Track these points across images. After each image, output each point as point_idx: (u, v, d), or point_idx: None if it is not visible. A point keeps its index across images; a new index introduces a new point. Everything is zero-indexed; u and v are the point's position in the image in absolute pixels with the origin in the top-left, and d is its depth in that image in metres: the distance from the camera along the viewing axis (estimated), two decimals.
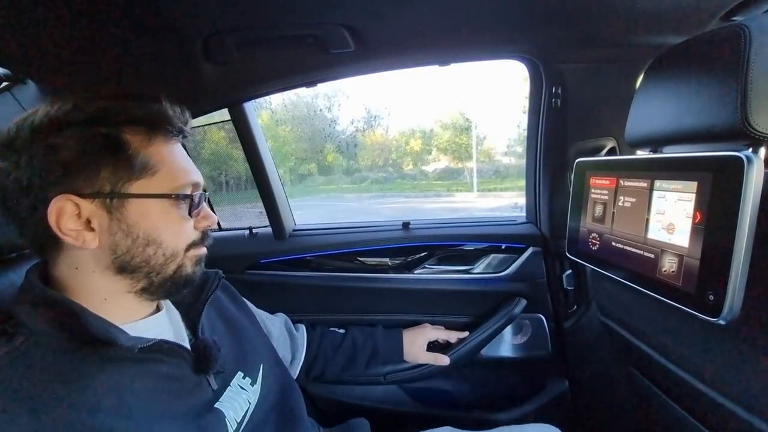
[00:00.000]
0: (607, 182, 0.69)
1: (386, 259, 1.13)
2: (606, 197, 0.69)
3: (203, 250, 0.56)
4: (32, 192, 0.45)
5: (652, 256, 0.58)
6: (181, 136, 0.54)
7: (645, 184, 0.60)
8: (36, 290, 0.47)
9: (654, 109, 0.62)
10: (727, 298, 0.47)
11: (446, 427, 0.84)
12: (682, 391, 0.66)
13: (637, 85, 0.88)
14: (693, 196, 0.51)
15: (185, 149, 0.57)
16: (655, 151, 0.65)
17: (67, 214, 0.45)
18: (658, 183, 0.58)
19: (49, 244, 0.48)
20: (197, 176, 0.54)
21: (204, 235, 0.56)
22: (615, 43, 0.82)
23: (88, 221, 0.46)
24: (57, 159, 0.45)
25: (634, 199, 0.62)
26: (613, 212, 0.67)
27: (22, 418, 0.38)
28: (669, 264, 0.55)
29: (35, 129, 0.45)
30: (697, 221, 0.51)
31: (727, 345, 0.54)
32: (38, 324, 0.45)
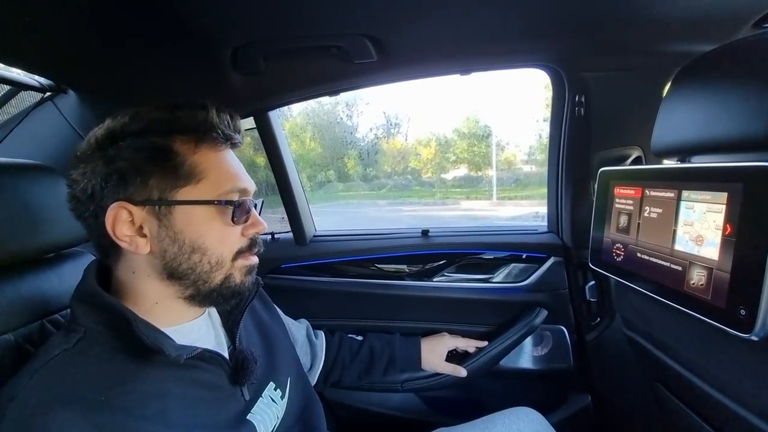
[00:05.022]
0: (632, 192, 0.67)
1: (405, 267, 1.13)
2: (631, 207, 0.68)
3: (253, 260, 0.55)
4: (95, 200, 0.48)
5: (680, 268, 0.56)
6: (229, 143, 0.54)
7: (672, 195, 0.58)
8: (93, 292, 0.49)
9: (682, 117, 0.60)
10: (760, 313, 0.45)
11: (440, 428, 0.83)
12: (711, 409, 0.63)
13: (664, 93, 0.86)
14: (723, 207, 0.50)
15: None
16: (682, 161, 0.64)
17: (121, 220, 0.48)
18: (685, 193, 0.56)
19: (110, 249, 0.51)
20: (245, 183, 0.54)
21: (253, 242, 0.55)
22: (641, 51, 0.81)
23: (141, 227, 0.49)
24: (114, 169, 0.47)
25: (660, 210, 0.61)
26: (639, 223, 0.66)
27: (73, 419, 0.40)
28: (698, 277, 0.53)
29: (98, 141, 0.49)
30: (727, 233, 0.49)
31: (759, 361, 0.52)
32: (93, 323, 0.48)
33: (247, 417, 0.55)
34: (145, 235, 0.49)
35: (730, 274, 0.48)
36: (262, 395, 0.60)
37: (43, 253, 0.67)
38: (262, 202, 0.59)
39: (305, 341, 0.87)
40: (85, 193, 0.48)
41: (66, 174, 0.51)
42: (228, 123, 0.53)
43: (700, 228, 0.53)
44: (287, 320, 0.84)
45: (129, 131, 0.49)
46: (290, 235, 1.19)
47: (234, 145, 0.55)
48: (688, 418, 0.69)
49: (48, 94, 0.85)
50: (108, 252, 0.51)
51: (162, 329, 0.50)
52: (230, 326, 0.62)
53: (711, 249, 0.51)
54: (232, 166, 0.54)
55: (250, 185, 0.55)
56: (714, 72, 0.57)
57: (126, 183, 0.48)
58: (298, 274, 1.16)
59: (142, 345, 0.46)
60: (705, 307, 0.52)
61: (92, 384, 0.43)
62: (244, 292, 0.55)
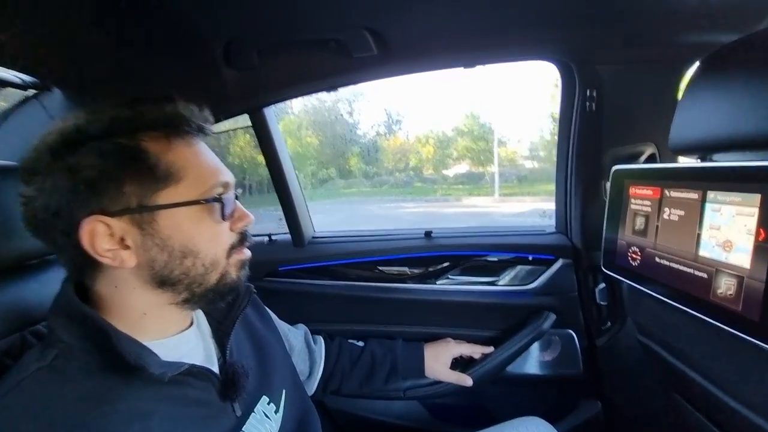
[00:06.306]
0: (650, 192, 0.63)
1: (407, 269, 1.09)
2: (649, 208, 0.63)
3: (246, 254, 0.54)
4: (62, 217, 0.43)
5: (705, 275, 0.52)
6: (202, 134, 0.50)
7: (696, 196, 0.54)
8: (71, 305, 0.46)
9: (704, 112, 0.56)
10: None
11: None
12: (735, 425, 0.59)
13: (680, 86, 0.82)
14: (756, 210, 0.46)
15: None
16: (703, 159, 0.60)
17: (99, 235, 0.43)
18: (711, 195, 0.52)
19: (87, 267, 0.46)
20: (227, 176, 0.51)
21: (243, 236, 0.53)
22: (657, 42, 0.76)
23: (122, 239, 0.45)
24: (80, 180, 0.43)
25: (682, 212, 0.57)
26: (657, 225, 0.62)
27: None
28: (725, 285, 0.49)
29: (51, 149, 0.43)
30: (761, 239, 0.45)
31: None
32: (72, 338, 0.44)
33: None
34: (128, 247, 0.45)
35: (766, 284, 0.44)
36: (255, 410, 0.56)
37: (26, 259, 0.64)
38: (241, 192, 0.57)
39: (303, 347, 0.84)
40: (47, 211, 0.43)
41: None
42: (197, 113, 0.49)
43: (729, 232, 0.49)
44: (283, 327, 0.80)
45: (88, 134, 0.43)
46: (288, 236, 1.15)
47: (207, 136, 0.52)
48: (707, 430, 0.66)
49: (32, 92, 0.81)
50: (83, 269, 0.47)
51: (148, 343, 0.47)
52: (221, 337, 0.59)
53: (741, 255, 0.47)
54: (211, 160, 0.51)
55: (231, 177, 0.52)
56: (740, 63, 0.53)
57: (98, 194, 0.43)
58: (297, 277, 1.12)
59: (123, 362, 0.42)
60: (734, 319, 0.48)
61: (68, 406, 0.40)
62: (240, 287, 0.54)
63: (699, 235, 0.54)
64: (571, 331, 0.99)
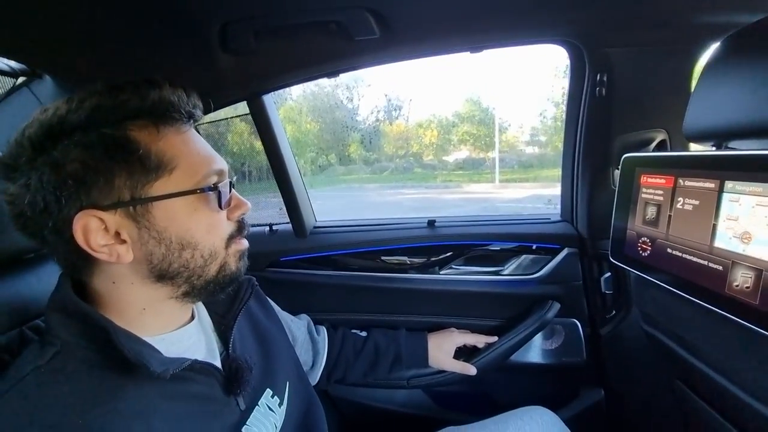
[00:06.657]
0: (663, 181, 0.61)
1: (410, 259, 1.08)
2: (661, 198, 0.62)
3: (244, 243, 0.53)
4: (51, 214, 0.42)
5: (720, 267, 0.51)
6: (192, 121, 0.49)
7: (712, 185, 0.52)
8: (68, 301, 0.44)
9: (723, 97, 0.54)
10: None
11: (449, 427, 0.81)
12: (740, 413, 0.59)
13: (694, 70, 0.79)
14: None
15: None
16: (719, 146, 0.58)
17: (93, 230, 0.42)
18: (729, 184, 0.50)
19: (82, 264, 0.45)
20: (221, 163, 0.50)
21: (240, 225, 0.52)
22: (671, 23, 0.73)
23: (118, 234, 0.43)
24: (66, 174, 0.41)
25: (697, 202, 0.55)
26: (670, 215, 0.60)
27: None
28: (742, 278, 0.48)
29: (33, 142, 0.41)
30: None
31: None
32: (70, 335, 0.43)
33: (242, 429, 0.52)
34: (124, 241, 0.43)
35: None
36: (259, 404, 0.56)
37: (23, 253, 0.62)
38: (236, 179, 0.55)
39: (306, 338, 0.84)
40: (35, 208, 0.42)
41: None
42: (185, 98, 0.47)
43: (748, 224, 0.47)
44: (286, 318, 0.80)
45: (71, 125, 0.41)
46: (289, 226, 1.13)
47: (197, 122, 0.51)
48: (710, 418, 0.66)
49: (22, 79, 0.78)
50: (78, 266, 0.45)
51: (149, 339, 0.46)
52: (223, 330, 0.58)
53: (761, 248, 0.46)
54: (203, 148, 0.49)
55: (224, 165, 0.50)
56: (762, 45, 0.50)
57: (87, 187, 0.41)
58: (299, 267, 1.11)
59: (123, 359, 0.41)
60: (751, 313, 0.47)
61: (68, 406, 0.39)
62: (240, 278, 0.53)
63: (715, 226, 0.52)
64: (575, 320, 0.99)
